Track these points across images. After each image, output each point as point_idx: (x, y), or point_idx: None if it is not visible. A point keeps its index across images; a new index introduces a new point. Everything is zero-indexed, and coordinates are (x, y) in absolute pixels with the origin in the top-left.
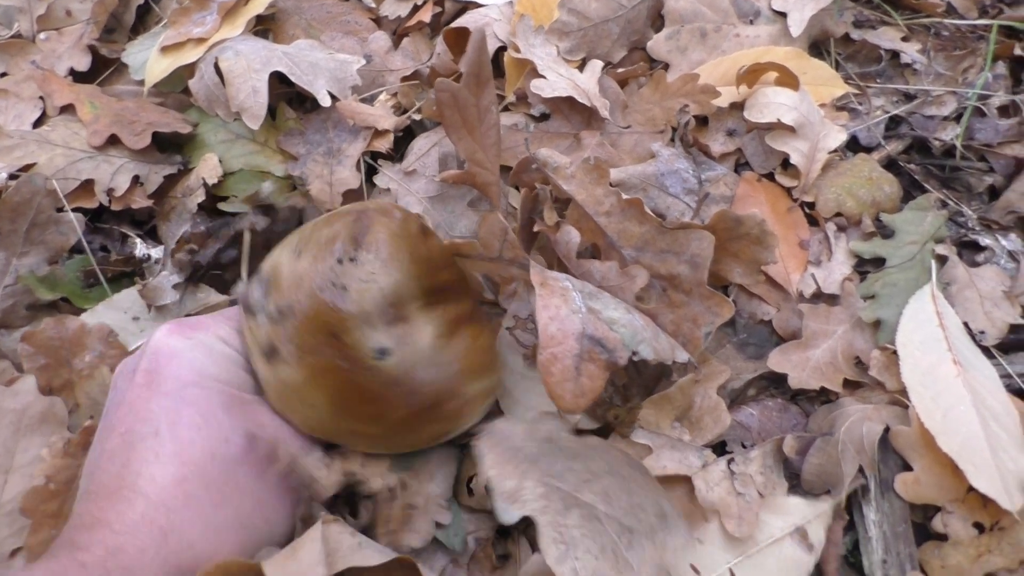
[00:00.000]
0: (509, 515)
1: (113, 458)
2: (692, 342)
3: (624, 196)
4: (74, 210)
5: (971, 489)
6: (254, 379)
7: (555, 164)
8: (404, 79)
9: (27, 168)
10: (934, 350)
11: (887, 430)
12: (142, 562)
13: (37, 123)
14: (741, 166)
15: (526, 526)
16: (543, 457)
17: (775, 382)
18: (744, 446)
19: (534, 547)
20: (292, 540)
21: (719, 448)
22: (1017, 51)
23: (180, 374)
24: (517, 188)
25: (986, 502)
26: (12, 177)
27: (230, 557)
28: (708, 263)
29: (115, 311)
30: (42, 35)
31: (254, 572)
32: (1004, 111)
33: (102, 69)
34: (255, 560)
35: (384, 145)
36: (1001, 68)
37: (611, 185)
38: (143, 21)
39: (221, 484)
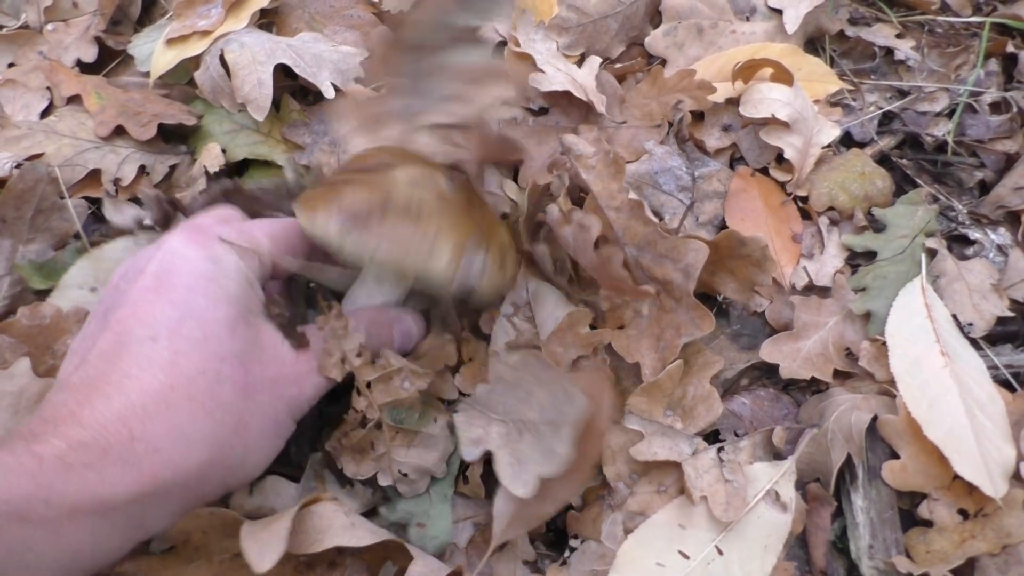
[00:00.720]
0: (472, 454)
1: (103, 355)
2: (671, 349)
3: (631, 196)
4: (83, 199)
5: (956, 476)
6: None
7: (580, 152)
8: None
9: (35, 158)
10: (922, 341)
11: (875, 419)
12: (103, 462)
13: (44, 113)
14: (736, 160)
15: None
16: (499, 400)
17: (768, 372)
18: (737, 434)
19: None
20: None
21: (712, 436)
22: (1009, 48)
23: (190, 283)
24: (515, 181)
25: (971, 489)
26: (19, 166)
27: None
28: (698, 274)
29: (72, 289)
30: (49, 26)
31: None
32: (996, 107)
33: (108, 60)
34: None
35: None
36: (993, 65)
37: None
38: (149, 13)
39: (205, 400)
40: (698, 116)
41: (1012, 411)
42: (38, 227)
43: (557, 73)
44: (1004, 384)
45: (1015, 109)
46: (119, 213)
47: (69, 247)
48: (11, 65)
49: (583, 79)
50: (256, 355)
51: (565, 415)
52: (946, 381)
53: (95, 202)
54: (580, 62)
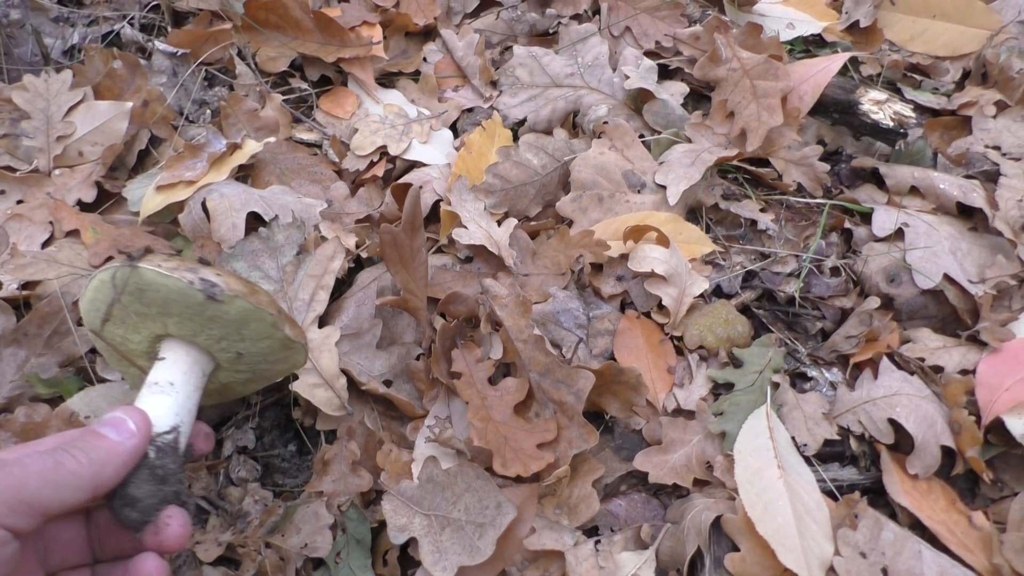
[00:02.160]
0: (399, 539)
1: None
2: (563, 460)
3: (535, 331)
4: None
5: (787, 569)
6: None
7: (495, 293)
8: (358, 221)
9: (37, 283)
10: (763, 456)
11: (719, 517)
12: None
13: (46, 243)
14: (628, 305)
15: None
16: (426, 496)
17: (642, 479)
18: (612, 530)
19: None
20: None
21: (593, 531)
22: (847, 224)
23: None
24: (444, 316)
25: None
26: (23, 287)
27: None
28: (585, 397)
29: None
30: (57, 171)
31: None
32: (835, 271)
33: (104, 200)
34: None
35: (340, 272)
36: (834, 237)
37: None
38: (142, 163)
39: None
40: (598, 267)
41: (835, 516)
42: (51, 345)
43: (477, 229)
44: (829, 494)
45: (844, 275)
46: (110, 371)
47: (69, 372)
48: (20, 202)
49: (499, 236)
50: None
51: (492, 519)
52: (779, 489)
53: None
54: (503, 219)
